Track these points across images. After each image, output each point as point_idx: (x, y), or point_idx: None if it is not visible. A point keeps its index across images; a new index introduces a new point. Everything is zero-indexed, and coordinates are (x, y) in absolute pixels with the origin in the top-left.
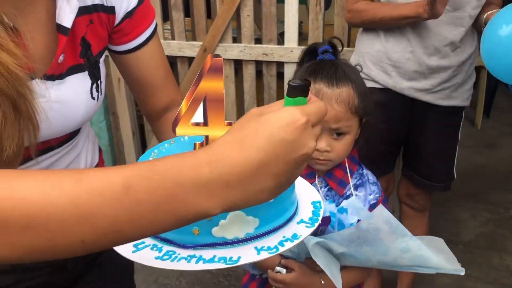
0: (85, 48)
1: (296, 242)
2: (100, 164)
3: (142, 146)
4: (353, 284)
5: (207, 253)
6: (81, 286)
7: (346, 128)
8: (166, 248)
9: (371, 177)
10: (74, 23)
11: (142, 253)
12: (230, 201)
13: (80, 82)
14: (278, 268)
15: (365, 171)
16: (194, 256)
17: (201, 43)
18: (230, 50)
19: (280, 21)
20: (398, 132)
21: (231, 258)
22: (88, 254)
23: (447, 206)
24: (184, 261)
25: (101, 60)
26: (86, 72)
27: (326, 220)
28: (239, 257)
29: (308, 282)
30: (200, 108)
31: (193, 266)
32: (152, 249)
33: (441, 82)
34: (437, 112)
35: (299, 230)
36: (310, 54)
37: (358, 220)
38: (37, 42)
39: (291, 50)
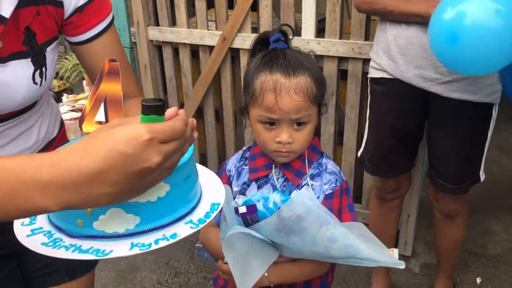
0: (29, 37)
1: (171, 241)
2: (58, 137)
3: None
4: (303, 278)
5: (86, 244)
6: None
7: (306, 117)
8: (56, 235)
9: (330, 166)
10: (17, 13)
11: (34, 238)
12: (65, 201)
13: (22, 67)
14: (226, 259)
15: (325, 160)
16: (74, 245)
17: (221, 32)
18: (248, 40)
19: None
20: (410, 125)
21: (103, 250)
22: None
23: (481, 217)
24: (64, 249)
25: (49, 48)
26: (29, 59)
27: (252, 209)
28: (111, 251)
29: (250, 274)
30: (102, 108)
31: (68, 254)
32: (44, 235)
33: (451, 71)
34: (453, 106)
35: (181, 230)
36: (261, 43)
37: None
38: None
39: (307, 41)
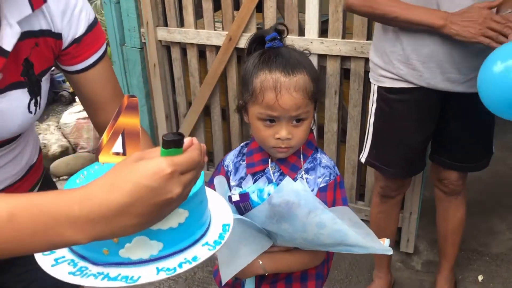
0: (27, 68)
1: (194, 264)
2: (38, 162)
3: (177, 130)
4: (297, 267)
5: (114, 271)
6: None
7: (304, 114)
8: (81, 264)
9: (325, 160)
10: (17, 46)
11: (59, 267)
12: (94, 234)
13: (18, 97)
14: None
15: (319, 155)
16: (102, 273)
17: (227, 32)
18: None
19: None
20: (431, 128)
21: (132, 277)
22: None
23: (485, 216)
24: (92, 277)
25: (44, 78)
26: (26, 89)
27: (245, 197)
28: (139, 277)
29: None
30: (120, 140)
31: (98, 283)
32: (69, 264)
33: (473, 69)
34: (470, 99)
35: (200, 253)
36: (257, 42)
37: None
38: None
39: (311, 41)
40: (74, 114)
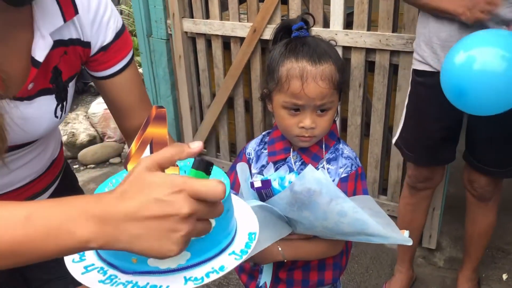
0: (56, 75)
1: (221, 274)
2: (59, 157)
3: (201, 121)
4: (316, 255)
5: (142, 280)
6: None
7: (329, 104)
8: (110, 272)
9: (346, 151)
10: (48, 55)
11: (89, 275)
12: (104, 235)
13: (46, 103)
14: None
15: (341, 145)
16: (131, 282)
17: (251, 24)
18: None
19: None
20: (453, 116)
21: (160, 286)
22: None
23: (511, 214)
24: (122, 286)
25: (70, 84)
26: (54, 95)
27: (267, 183)
28: (167, 286)
29: (265, 249)
30: (147, 149)
31: None
32: (98, 272)
33: None
34: None
35: (227, 262)
36: (283, 31)
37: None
38: (13, 68)
39: (335, 33)
40: (102, 104)
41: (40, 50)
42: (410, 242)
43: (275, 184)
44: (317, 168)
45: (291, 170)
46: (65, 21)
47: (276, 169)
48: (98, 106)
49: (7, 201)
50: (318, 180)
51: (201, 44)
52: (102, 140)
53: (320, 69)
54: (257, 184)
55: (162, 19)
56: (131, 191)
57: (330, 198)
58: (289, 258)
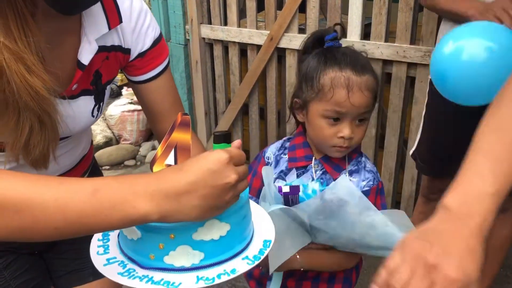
0: (97, 78)
1: (232, 276)
2: (89, 154)
3: (215, 126)
4: (331, 266)
5: (157, 276)
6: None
7: (368, 114)
8: (129, 266)
9: (369, 165)
10: (92, 59)
11: (111, 267)
12: (165, 209)
13: (85, 103)
14: None
15: (363, 159)
16: (146, 276)
17: (268, 32)
18: (295, 40)
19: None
20: (469, 126)
21: (173, 283)
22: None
23: None
24: (138, 279)
25: (108, 86)
26: (93, 96)
27: (296, 189)
28: (180, 283)
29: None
30: (172, 153)
31: (143, 285)
32: (119, 264)
33: None
34: None
35: (239, 266)
36: (315, 41)
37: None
38: (61, 69)
39: (352, 43)
40: (120, 106)
41: (86, 54)
42: None
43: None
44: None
45: (312, 178)
46: (109, 28)
47: (297, 176)
48: (116, 108)
49: (73, 177)
50: (350, 190)
51: (218, 50)
52: (118, 142)
53: (365, 79)
54: (286, 189)
55: (181, 24)
56: (187, 165)
57: (360, 209)
58: (305, 267)
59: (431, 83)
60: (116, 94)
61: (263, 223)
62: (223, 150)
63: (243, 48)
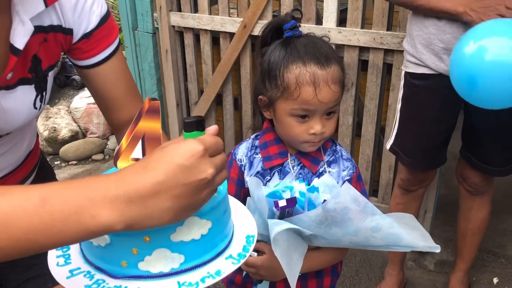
0: (35, 64)
1: (217, 278)
2: (35, 149)
3: None
4: (326, 265)
5: (132, 285)
6: None
7: (337, 106)
8: (97, 276)
9: (344, 153)
10: (27, 43)
11: (75, 279)
12: (131, 216)
13: (25, 93)
14: (276, 255)
15: (338, 147)
16: (119, 287)
17: (241, 19)
18: None
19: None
20: (451, 118)
21: None
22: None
23: (502, 217)
24: None
25: (50, 73)
26: (33, 85)
27: (292, 202)
28: None
29: (278, 265)
30: (139, 145)
31: None
32: (85, 276)
33: None
34: None
35: (224, 266)
36: (273, 32)
37: (324, 201)
38: None
39: (328, 30)
40: (85, 98)
41: (20, 36)
42: (438, 249)
43: (285, 196)
44: (318, 171)
45: (288, 175)
46: (46, 5)
47: (275, 174)
48: (81, 100)
49: (17, 186)
50: (355, 198)
51: (189, 39)
52: (84, 136)
53: (331, 72)
54: (282, 203)
55: (149, 12)
56: (152, 161)
57: (366, 214)
58: (303, 271)
59: (409, 75)
60: (81, 86)
61: (243, 217)
62: (195, 140)
63: (215, 36)
